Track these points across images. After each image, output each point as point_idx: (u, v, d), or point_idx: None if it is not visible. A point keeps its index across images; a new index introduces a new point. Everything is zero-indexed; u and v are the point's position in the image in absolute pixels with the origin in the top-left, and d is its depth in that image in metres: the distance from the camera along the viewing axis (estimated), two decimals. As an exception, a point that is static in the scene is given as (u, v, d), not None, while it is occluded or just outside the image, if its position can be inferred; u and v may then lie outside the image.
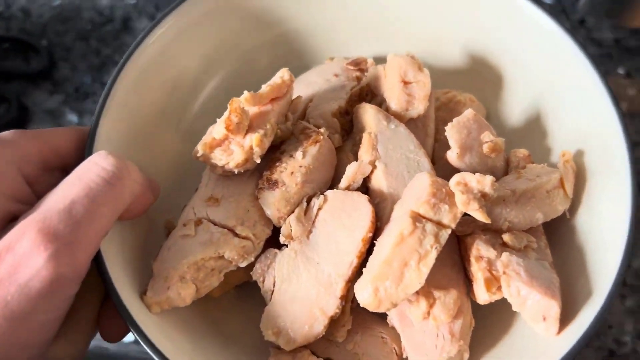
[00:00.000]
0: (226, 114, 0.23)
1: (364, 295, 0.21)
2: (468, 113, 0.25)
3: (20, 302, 0.18)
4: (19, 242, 0.18)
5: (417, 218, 0.21)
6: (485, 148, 0.24)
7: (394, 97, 0.26)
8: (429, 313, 0.22)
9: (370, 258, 0.22)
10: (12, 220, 0.20)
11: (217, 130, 0.23)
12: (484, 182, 0.22)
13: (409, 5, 0.29)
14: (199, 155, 0.24)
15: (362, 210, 0.23)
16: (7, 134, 0.21)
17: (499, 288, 0.22)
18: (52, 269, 0.18)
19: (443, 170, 0.25)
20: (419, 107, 0.26)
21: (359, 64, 0.29)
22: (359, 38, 0.30)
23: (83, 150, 0.23)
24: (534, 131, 0.27)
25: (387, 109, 0.26)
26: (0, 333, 0.18)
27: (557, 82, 0.26)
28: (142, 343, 0.20)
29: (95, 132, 0.23)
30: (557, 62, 0.26)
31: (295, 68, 0.28)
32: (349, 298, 0.23)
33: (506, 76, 0.28)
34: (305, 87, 0.28)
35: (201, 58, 0.29)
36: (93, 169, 0.20)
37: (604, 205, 0.23)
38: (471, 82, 0.29)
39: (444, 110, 0.28)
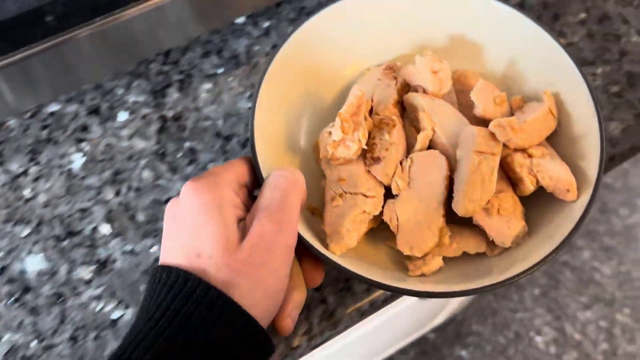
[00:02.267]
0: (338, 122, 0.35)
1: (462, 207, 0.34)
2: (481, 82, 0.39)
3: (282, 262, 0.30)
4: (263, 228, 0.29)
5: (478, 153, 0.35)
6: (497, 100, 0.38)
7: (429, 83, 0.39)
8: (499, 210, 0.35)
9: (455, 186, 0.35)
10: (239, 220, 0.31)
11: (335, 134, 0.35)
12: (510, 121, 0.36)
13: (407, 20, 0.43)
14: (329, 155, 0.36)
15: (438, 159, 0.36)
16: (215, 169, 0.32)
17: (537, 181, 0.35)
18: (287, 240, 0.30)
19: (470, 122, 0.38)
20: (448, 86, 0.39)
21: (392, 68, 0.42)
22: (377, 50, 0.44)
23: (252, 168, 0.35)
24: (515, 87, 0.41)
25: (425, 92, 0.39)
26: (277, 283, 0.29)
27: (520, 52, 0.40)
28: (338, 269, 0.33)
29: (255, 150, 0.35)
30: (517, 37, 0.40)
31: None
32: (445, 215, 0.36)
33: (487, 54, 0.42)
34: (364, 86, 0.40)
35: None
36: (280, 177, 0.32)
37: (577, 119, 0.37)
38: (467, 61, 0.42)
39: (456, 84, 0.41)
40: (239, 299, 0.28)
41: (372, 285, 0.33)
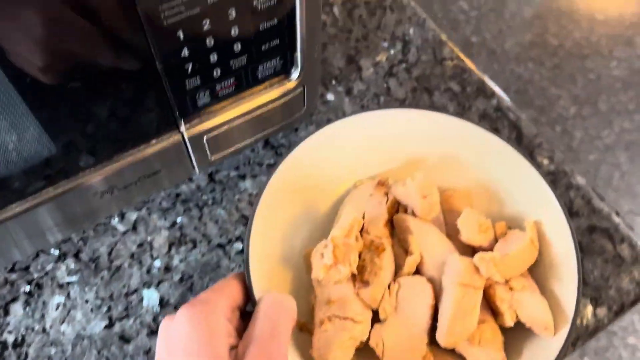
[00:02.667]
0: (331, 247, 0.36)
1: (444, 340, 0.36)
2: (467, 210, 0.40)
3: None
4: None
5: (462, 286, 0.36)
6: (482, 227, 0.40)
7: (418, 207, 0.40)
8: (480, 340, 0.36)
9: (439, 316, 0.36)
10: (232, 348, 0.31)
11: (327, 258, 0.36)
12: (493, 257, 0.37)
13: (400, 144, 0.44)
14: (320, 278, 0.36)
15: (424, 287, 0.37)
16: (205, 295, 0.33)
17: (517, 315, 0.37)
18: None
19: (454, 242, 0.40)
20: (436, 211, 0.41)
21: (383, 184, 0.43)
22: (369, 165, 0.45)
23: (246, 288, 0.35)
24: (498, 211, 0.42)
25: (414, 215, 0.40)
26: None
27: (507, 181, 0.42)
28: None
29: (250, 277, 0.36)
30: (500, 163, 0.41)
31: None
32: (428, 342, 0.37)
33: (472, 174, 0.44)
34: (354, 208, 0.41)
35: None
36: (271, 304, 0.32)
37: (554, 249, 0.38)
38: (454, 178, 0.44)
39: (444, 204, 0.43)
40: None
41: None
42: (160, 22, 0.32)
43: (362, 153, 0.44)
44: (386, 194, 0.42)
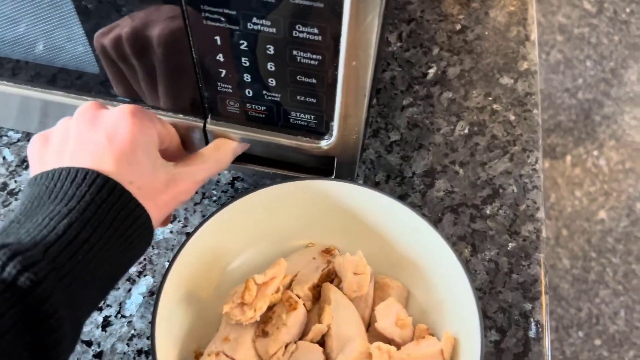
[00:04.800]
0: (242, 288, 0.38)
1: None
2: (390, 300, 0.42)
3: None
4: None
5: None
6: (398, 323, 0.41)
7: (346, 282, 0.42)
8: None
9: None
10: None
11: (236, 297, 0.38)
12: (390, 349, 0.38)
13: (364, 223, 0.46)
14: (223, 312, 0.38)
15: (317, 355, 0.39)
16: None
17: None
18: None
19: (372, 329, 0.41)
20: (362, 291, 0.42)
21: (329, 252, 0.45)
22: (331, 234, 0.47)
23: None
24: (438, 310, 0.43)
25: (342, 289, 0.42)
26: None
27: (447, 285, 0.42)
28: None
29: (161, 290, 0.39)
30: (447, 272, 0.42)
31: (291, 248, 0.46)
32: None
33: (423, 271, 0.44)
34: (293, 264, 0.43)
35: (240, 237, 0.45)
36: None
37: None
38: (401, 272, 0.45)
39: (378, 289, 0.44)
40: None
41: None
42: (201, 21, 0.35)
43: (306, 218, 0.46)
44: (328, 262, 0.44)
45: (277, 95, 0.41)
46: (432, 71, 0.61)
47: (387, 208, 0.44)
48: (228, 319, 0.39)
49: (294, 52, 0.37)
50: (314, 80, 0.38)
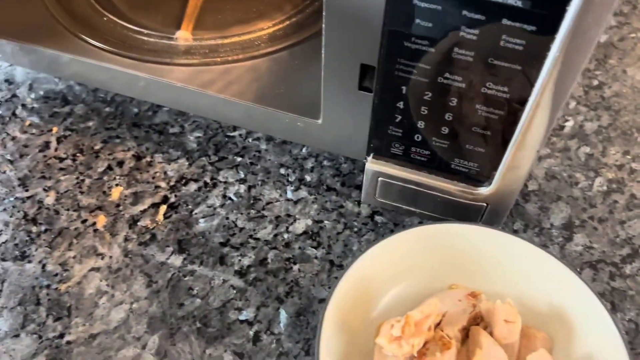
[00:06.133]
0: (403, 323, 0.40)
1: None
2: (542, 351, 0.42)
3: None
4: None
5: None
6: None
7: (497, 329, 0.43)
8: None
9: None
10: None
11: (396, 330, 0.39)
12: None
13: (507, 267, 0.47)
14: (382, 344, 0.40)
15: None
16: None
17: None
18: None
19: None
20: (512, 338, 0.42)
21: (475, 296, 0.46)
22: (473, 279, 0.48)
23: None
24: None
25: (491, 334, 0.43)
26: None
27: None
28: None
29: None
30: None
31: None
32: None
33: (569, 324, 0.45)
34: (442, 304, 0.44)
35: (389, 273, 0.47)
36: None
37: None
38: (545, 323, 0.45)
39: (524, 338, 0.44)
40: None
41: None
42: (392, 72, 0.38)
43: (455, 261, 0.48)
44: (474, 305, 0.45)
45: (445, 142, 0.43)
46: (569, 124, 0.62)
47: (534, 258, 0.45)
48: (381, 350, 0.41)
49: (477, 106, 0.39)
50: (489, 133, 0.41)
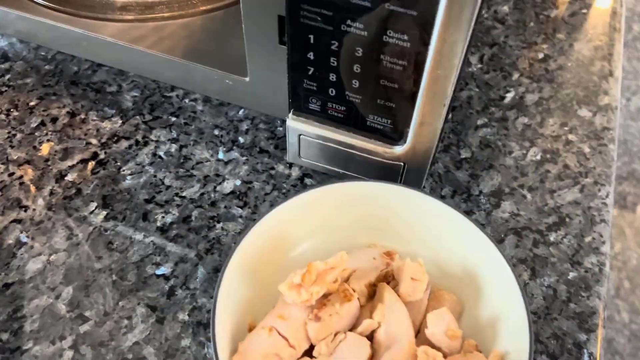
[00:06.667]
0: (304, 271, 0.39)
1: None
2: (443, 309, 0.42)
3: None
4: None
5: None
6: (448, 333, 0.41)
7: (403, 286, 0.42)
8: None
9: None
10: None
11: (296, 278, 0.39)
12: (436, 355, 0.39)
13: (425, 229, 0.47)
14: (281, 290, 0.40)
15: (364, 348, 0.40)
16: None
17: None
18: None
19: (423, 336, 0.42)
20: (417, 296, 0.42)
21: (390, 255, 0.46)
22: (391, 239, 0.48)
23: None
24: (490, 329, 0.43)
25: (397, 292, 0.43)
26: None
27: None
28: None
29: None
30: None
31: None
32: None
33: (480, 288, 0.44)
34: (353, 260, 0.44)
35: (304, 228, 0.47)
36: None
37: None
38: (458, 287, 0.45)
39: (433, 300, 0.44)
40: None
41: None
42: (298, 18, 0.37)
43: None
44: (387, 264, 0.45)
45: (358, 97, 0.43)
46: (509, 95, 0.61)
47: (452, 221, 0.45)
48: (284, 299, 0.41)
49: (382, 56, 0.39)
50: (396, 85, 0.40)
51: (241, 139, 0.58)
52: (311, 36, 0.40)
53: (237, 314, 0.42)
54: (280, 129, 0.58)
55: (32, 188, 0.54)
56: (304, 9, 0.38)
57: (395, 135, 0.44)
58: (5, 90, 0.61)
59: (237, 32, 0.54)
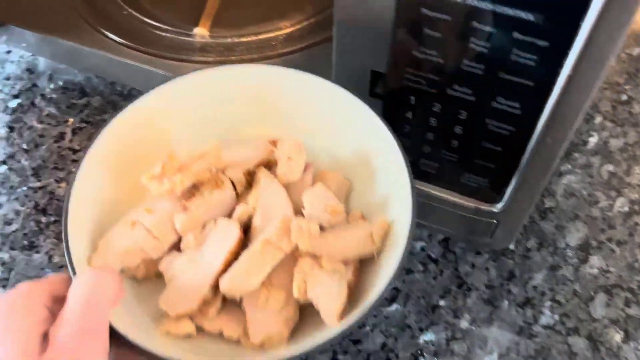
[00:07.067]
0: (164, 160, 0.36)
1: (223, 282, 0.34)
2: (318, 185, 0.39)
3: None
4: (64, 341, 0.27)
5: (266, 241, 0.34)
6: (328, 209, 0.38)
7: (280, 166, 0.40)
8: (267, 302, 0.35)
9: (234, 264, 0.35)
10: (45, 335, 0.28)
11: (156, 168, 0.36)
12: (310, 227, 0.35)
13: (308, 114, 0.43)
14: (142, 181, 0.37)
15: (232, 231, 0.36)
16: (24, 283, 0.30)
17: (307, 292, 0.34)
18: (93, 350, 0.28)
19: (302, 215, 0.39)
20: (294, 176, 0.40)
21: (274, 143, 0.42)
22: (280, 127, 0.44)
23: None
24: (380, 207, 0.40)
25: (275, 174, 0.40)
26: None
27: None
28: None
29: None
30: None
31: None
32: (218, 290, 0.35)
33: (370, 169, 0.42)
34: (235, 150, 0.41)
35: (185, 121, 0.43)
36: (82, 285, 0.29)
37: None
38: (350, 168, 0.43)
39: (318, 181, 0.41)
40: None
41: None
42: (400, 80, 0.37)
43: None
44: (271, 152, 0.42)
45: (455, 156, 0.41)
46: (593, 140, 0.59)
47: (345, 105, 0.41)
48: (152, 191, 0.37)
49: (488, 120, 0.37)
50: (500, 148, 0.39)
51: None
52: (412, 97, 0.39)
53: (102, 214, 0.38)
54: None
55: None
56: (408, 72, 0.37)
57: (491, 194, 0.43)
58: (85, 127, 0.61)
59: (315, 70, 0.54)
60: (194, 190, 0.38)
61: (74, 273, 0.33)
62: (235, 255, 0.35)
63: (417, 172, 0.45)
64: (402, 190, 0.37)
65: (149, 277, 0.38)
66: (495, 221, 0.45)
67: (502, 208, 0.43)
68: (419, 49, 0.36)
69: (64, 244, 0.34)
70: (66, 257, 0.33)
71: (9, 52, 0.69)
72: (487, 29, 0.32)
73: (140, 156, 0.39)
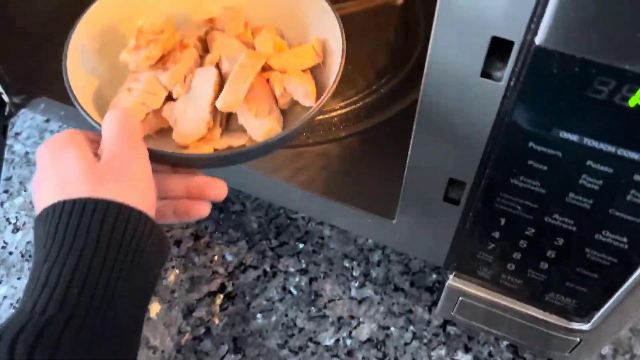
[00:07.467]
0: (135, 35, 0.42)
1: (220, 101, 0.41)
2: (264, 31, 0.45)
3: (138, 165, 0.34)
4: (113, 146, 0.34)
5: (242, 64, 0.42)
6: (276, 46, 0.45)
7: (223, 21, 0.46)
8: (256, 113, 0.42)
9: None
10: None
11: (132, 42, 0.42)
12: (258, 54, 0.43)
13: None
14: (122, 58, 0.42)
15: (212, 71, 0.43)
16: (67, 130, 0.35)
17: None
18: (133, 148, 0.34)
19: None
20: (238, 30, 0.46)
21: (211, 20, 0.47)
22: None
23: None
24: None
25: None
26: (142, 183, 0.34)
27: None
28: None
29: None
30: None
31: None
32: (216, 115, 0.42)
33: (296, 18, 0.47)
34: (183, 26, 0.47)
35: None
36: (111, 116, 0.35)
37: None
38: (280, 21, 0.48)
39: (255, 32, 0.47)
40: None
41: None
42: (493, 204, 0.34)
43: None
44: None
45: (543, 276, 0.39)
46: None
47: None
48: (130, 65, 0.43)
49: (587, 250, 0.35)
50: (596, 276, 0.36)
51: (373, 273, 0.54)
52: (503, 219, 0.36)
53: (99, 90, 0.43)
54: (415, 261, 0.55)
55: (160, 325, 0.51)
56: (502, 197, 0.35)
57: (579, 314, 0.40)
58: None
59: (375, 160, 0.52)
60: (165, 59, 0.44)
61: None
62: (219, 86, 0.42)
63: (496, 284, 0.42)
64: (326, 15, 0.44)
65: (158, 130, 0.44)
66: (578, 339, 0.42)
67: (589, 328, 0.40)
68: (518, 178, 0.33)
69: (76, 106, 0.38)
70: (82, 113, 0.39)
71: (47, 120, 0.67)
72: (604, 169, 0.30)
73: (123, 37, 0.45)
